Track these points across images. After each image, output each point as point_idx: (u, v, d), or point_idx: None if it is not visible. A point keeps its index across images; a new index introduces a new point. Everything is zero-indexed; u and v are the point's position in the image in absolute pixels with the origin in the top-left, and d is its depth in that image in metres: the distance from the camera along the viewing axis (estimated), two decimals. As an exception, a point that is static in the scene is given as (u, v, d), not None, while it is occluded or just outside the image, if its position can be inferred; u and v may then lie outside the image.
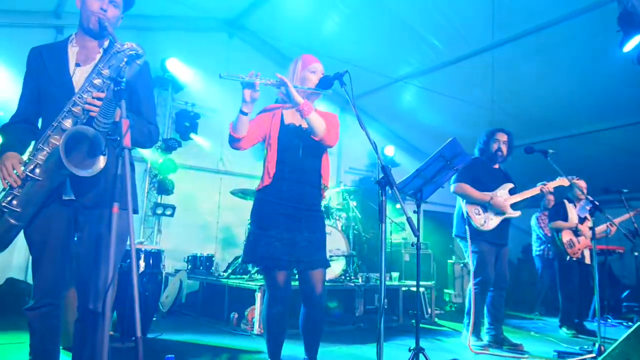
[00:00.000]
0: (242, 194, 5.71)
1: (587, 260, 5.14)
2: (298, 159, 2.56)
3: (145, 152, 6.44)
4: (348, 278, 5.36)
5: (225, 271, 5.79)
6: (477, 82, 6.71)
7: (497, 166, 4.29)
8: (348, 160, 8.73)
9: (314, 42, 6.45)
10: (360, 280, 5.43)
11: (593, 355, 3.51)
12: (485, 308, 4.12)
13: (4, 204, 1.87)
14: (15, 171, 1.87)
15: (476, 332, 4.01)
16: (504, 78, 6.50)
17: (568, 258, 5.04)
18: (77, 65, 2.08)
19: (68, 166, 1.79)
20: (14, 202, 1.87)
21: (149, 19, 6.27)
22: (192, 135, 6.87)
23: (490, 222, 4.01)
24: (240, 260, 5.64)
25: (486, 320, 4.12)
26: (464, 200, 4.08)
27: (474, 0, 5.42)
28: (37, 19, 5.90)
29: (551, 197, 5.80)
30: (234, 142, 2.51)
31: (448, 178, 2.94)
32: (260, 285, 4.57)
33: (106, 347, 1.60)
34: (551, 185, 4.15)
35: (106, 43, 2.08)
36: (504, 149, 4.19)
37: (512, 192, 4.14)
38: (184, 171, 6.81)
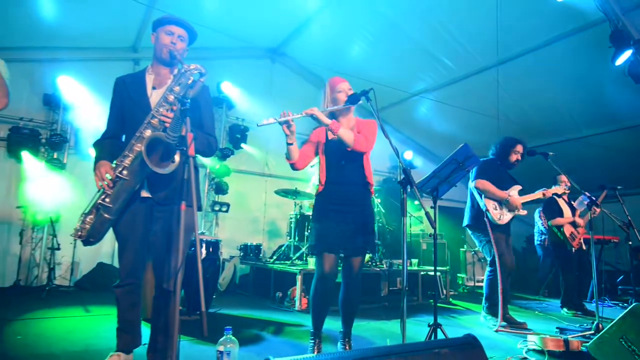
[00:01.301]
0: (284, 193, 5.76)
1: (584, 247, 4.94)
2: (341, 166, 2.60)
3: (205, 160, 6.59)
4: (374, 264, 5.32)
5: (271, 257, 5.85)
6: (484, 95, 6.55)
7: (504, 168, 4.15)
8: (373, 164, 8.48)
9: (343, 65, 6.44)
10: (384, 265, 5.38)
11: (592, 332, 3.35)
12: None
13: (99, 201, 1.97)
14: (107, 175, 1.97)
15: (496, 313, 3.84)
16: (508, 91, 6.34)
17: (574, 250, 4.83)
18: (153, 88, 2.16)
19: (149, 164, 1.86)
20: (107, 199, 1.96)
21: (207, 50, 6.43)
22: (242, 145, 6.98)
23: (505, 217, 3.87)
24: (283, 247, 5.70)
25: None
26: (482, 195, 3.93)
27: (481, 24, 5.29)
28: (118, 54, 6.14)
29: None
30: (292, 166, 2.60)
31: (460, 178, 2.86)
32: (300, 269, 4.59)
33: (177, 319, 1.65)
34: (550, 192, 4.09)
35: (175, 70, 2.15)
36: (520, 159, 4.06)
37: (520, 193, 4.01)
38: (236, 175, 6.92)
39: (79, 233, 1.98)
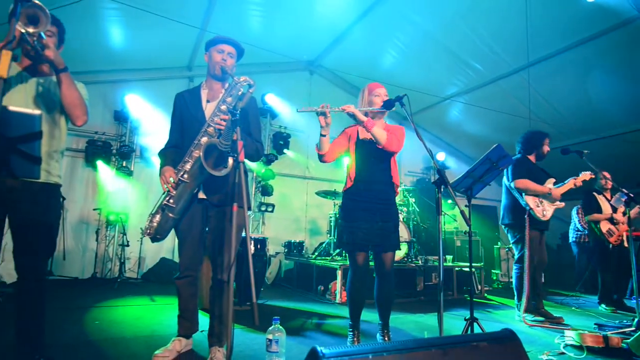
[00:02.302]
0: (324, 194, 5.77)
1: (626, 244, 4.57)
2: (371, 165, 2.55)
3: (252, 164, 6.73)
4: (410, 260, 5.21)
5: (312, 254, 5.87)
6: (515, 96, 6.26)
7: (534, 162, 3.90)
8: (407, 165, 8.48)
9: (376, 73, 6.37)
10: (420, 261, 5.25)
11: (632, 328, 3.09)
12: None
13: (164, 202, 2.06)
14: (171, 178, 2.07)
15: (530, 310, 3.64)
16: (540, 91, 6.03)
17: (610, 246, 4.50)
18: (208, 101, 2.24)
19: (206, 167, 1.93)
20: (171, 200, 2.06)
21: (252, 65, 6.56)
22: (285, 150, 7.06)
23: (547, 212, 3.65)
24: (324, 244, 5.71)
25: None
26: (523, 193, 3.68)
27: (511, 27, 5.06)
28: (174, 73, 6.40)
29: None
30: (320, 157, 2.57)
31: (494, 177, 2.74)
32: (340, 265, 4.58)
33: (231, 308, 1.69)
34: (579, 179, 3.79)
35: (227, 84, 2.22)
36: (549, 150, 3.86)
37: (554, 186, 3.76)
38: (280, 178, 7.00)
39: (148, 231, 2.08)
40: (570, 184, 3.79)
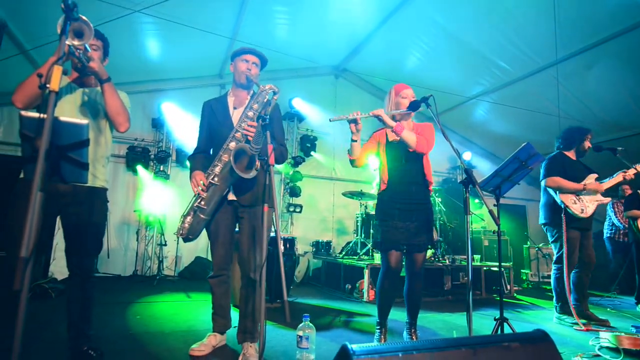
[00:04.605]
0: (350, 194, 5.74)
1: None
2: (403, 166, 2.52)
3: (280, 167, 6.79)
4: (437, 259, 5.10)
5: (340, 253, 5.86)
6: (543, 94, 6.00)
7: (574, 158, 3.66)
8: (432, 165, 7.95)
9: (401, 76, 6.28)
10: (447, 261, 5.13)
11: (675, 331, 2.89)
12: (572, 286, 3.52)
13: (196, 205, 2.12)
14: (202, 182, 2.12)
15: (570, 312, 3.42)
16: (569, 88, 5.75)
17: None
18: (235, 108, 2.29)
19: (236, 169, 1.97)
20: (202, 202, 2.11)
21: (279, 71, 6.64)
22: (312, 153, 7.08)
23: (588, 209, 3.40)
24: (351, 244, 5.68)
25: (572, 297, 3.50)
26: (558, 192, 3.48)
27: (538, 24, 4.85)
28: (207, 81, 6.56)
29: (627, 187, 4.97)
30: (352, 162, 2.57)
31: (523, 176, 2.63)
32: (367, 264, 4.54)
33: (263, 305, 1.71)
34: (631, 172, 3.48)
35: (251, 92, 2.26)
36: (590, 146, 3.62)
37: (597, 181, 3.51)
38: (308, 179, 7.03)
39: (181, 232, 2.15)
40: (618, 177, 3.50)
